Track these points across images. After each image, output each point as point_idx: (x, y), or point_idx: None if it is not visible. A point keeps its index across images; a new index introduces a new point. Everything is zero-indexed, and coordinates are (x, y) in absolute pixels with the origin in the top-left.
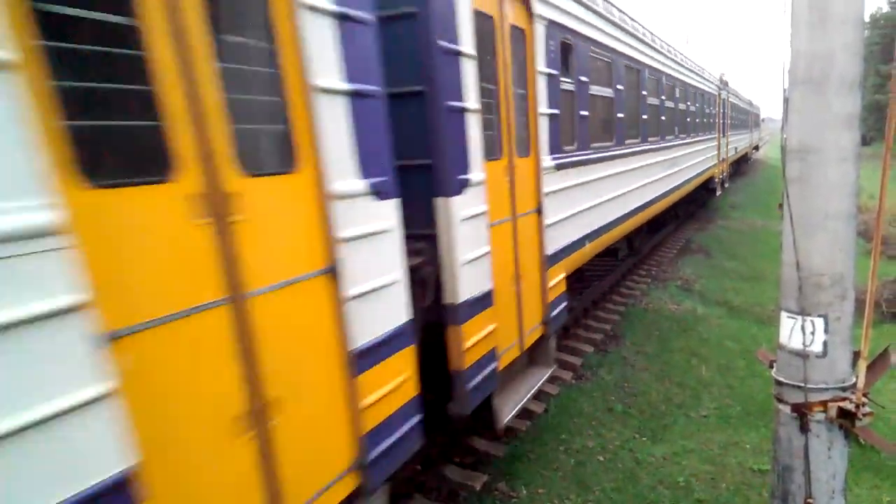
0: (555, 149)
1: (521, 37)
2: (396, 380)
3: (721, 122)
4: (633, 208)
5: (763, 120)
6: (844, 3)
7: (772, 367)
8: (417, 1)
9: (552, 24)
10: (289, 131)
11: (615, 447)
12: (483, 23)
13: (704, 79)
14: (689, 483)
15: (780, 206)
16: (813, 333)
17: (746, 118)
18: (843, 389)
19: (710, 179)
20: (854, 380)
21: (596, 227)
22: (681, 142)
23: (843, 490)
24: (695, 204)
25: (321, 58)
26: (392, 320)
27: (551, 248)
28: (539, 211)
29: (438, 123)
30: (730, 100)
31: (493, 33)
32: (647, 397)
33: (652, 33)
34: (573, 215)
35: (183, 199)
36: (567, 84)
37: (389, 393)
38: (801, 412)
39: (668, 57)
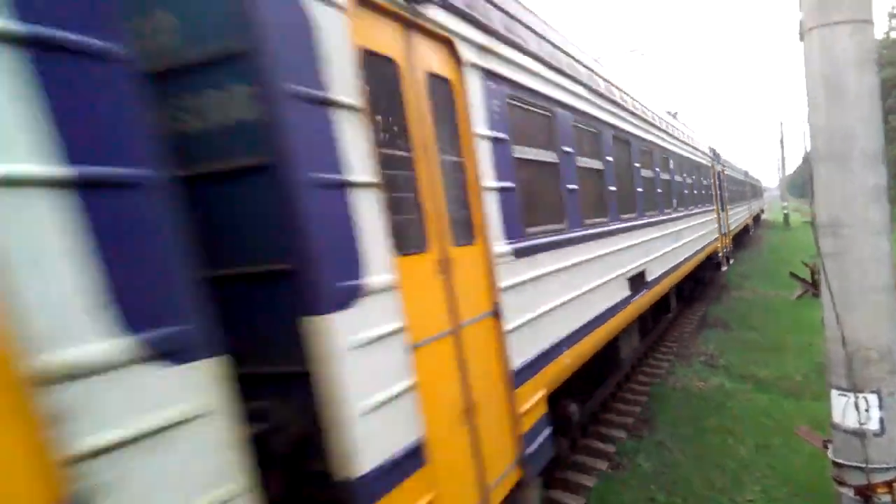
0: (512, 231)
1: (446, 90)
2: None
3: (719, 193)
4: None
5: (764, 189)
6: (859, 78)
7: (825, 447)
8: (240, 34)
9: (493, 76)
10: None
11: None
12: (381, 68)
13: (696, 149)
14: None
15: (793, 274)
16: (868, 410)
17: (744, 189)
18: None
19: (714, 254)
20: None
21: (586, 322)
22: (681, 214)
23: None
24: (701, 284)
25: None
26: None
27: (519, 359)
28: (496, 314)
29: (297, 206)
30: (725, 171)
31: (399, 82)
32: (689, 484)
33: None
34: (549, 311)
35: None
36: (526, 153)
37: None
38: (865, 494)
39: (660, 129)
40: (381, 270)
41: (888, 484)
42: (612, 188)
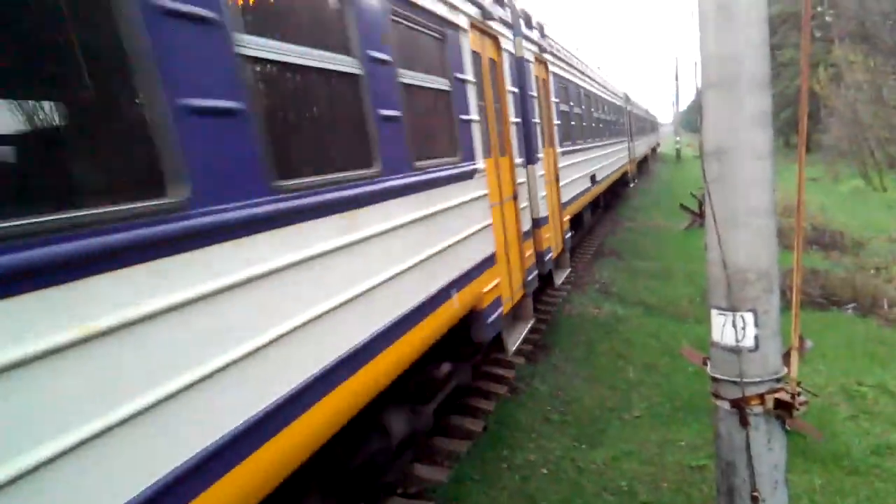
0: (523, 150)
1: (495, 66)
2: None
3: (629, 129)
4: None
5: (660, 125)
6: (748, 3)
7: (705, 364)
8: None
9: (514, 57)
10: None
11: (556, 458)
12: (476, 59)
13: (616, 94)
14: (632, 486)
15: (682, 206)
16: (744, 329)
17: (646, 125)
18: (777, 381)
19: (625, 174)
20: (785, 370)
21: (568, 199)
22: (609, 142)
23: (785, 480)
24: (616, 196)
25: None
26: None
27: (525, 226)
28: (515, 197)
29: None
30: (633, 111)
31: (481, 66)
32: (582, 403)
33: (585, 64)
34: (543, 196)
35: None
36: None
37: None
38: (740, 407)
39: (596, 82)
40: (481, 163)
41: (760, 396)
42: (583, 124)
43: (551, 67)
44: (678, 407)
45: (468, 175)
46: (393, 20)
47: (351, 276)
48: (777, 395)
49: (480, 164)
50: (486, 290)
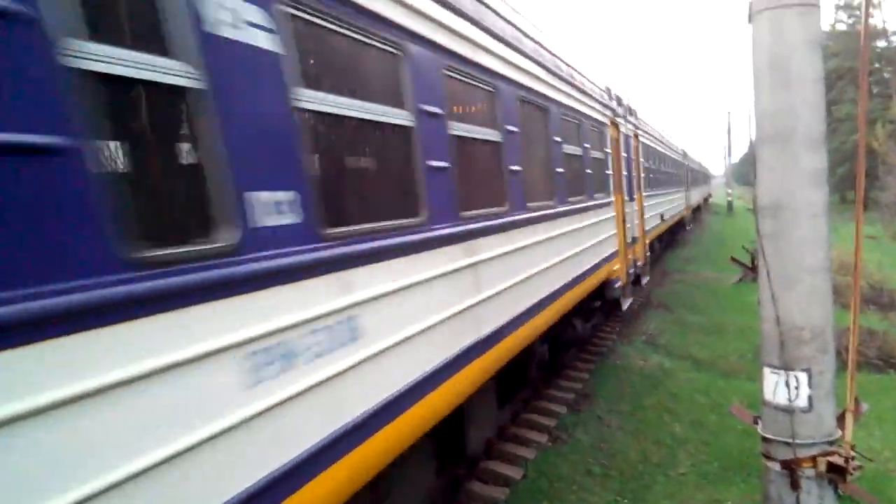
0: (628, 189)
1: (615, 139)
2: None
3: (686, 180)
4: (658, 223)
5: (712, 177)
6: (805, 61)
7: (756, 423)
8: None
9: (625, 135)
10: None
11: None
12: (613, 137)
13: (676, 151)
14: None
15: (734, 258)
16: (797, 388)
17: (699, 177)
18: (831, 443)
19: (683, 218)
20: (839, 433)
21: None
22: (672, 190)
23: None
24: (675, 236)
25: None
26: (636, 232)
27: (629, 238)
28: (624, 220)
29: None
30: (689, 165)
31: (616, 141)
32: (625, 457)
33: (659, 132)
34: (636, 224)
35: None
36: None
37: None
38: (791, 468)
39: (664, 143)
40: (612, 197)
41: (813, 458)
42: (657, 177)
43: (641, 138)
44: (726, 466)
45: (609, 203)
46: (592, 129)
47: (559, 252)
48: (830, 458)
49: (612, 197)
50: (614, 269)
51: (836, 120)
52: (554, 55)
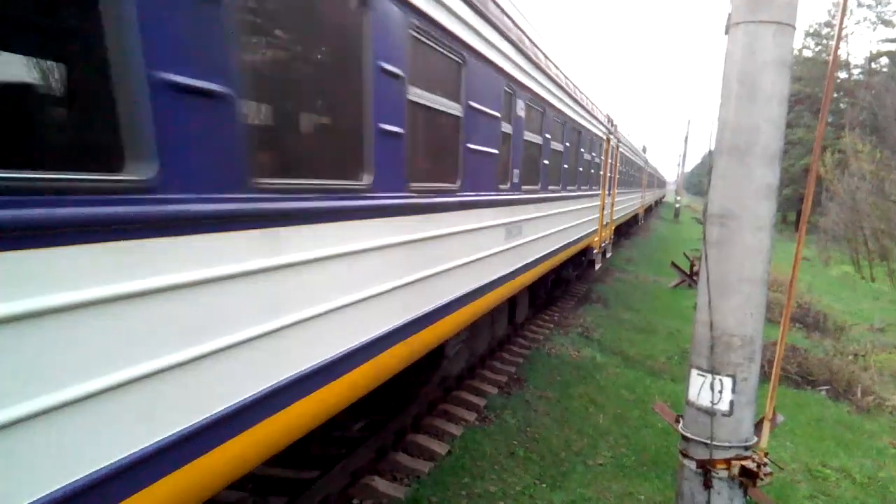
0: (609, 186)
1: (611, 149)
2: (604, 234)
3: (644, 183)
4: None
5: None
6: (773, 79)
7: (677, 422)
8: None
9: (611, 144)
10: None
11: (516, 492)
12: (607, 147)
13: (641, 157)
14: None
15: (673, 264)
16: (721, 392)
17: (654, 181)
18: (746, 448)
19: (637, 215)
20: (755, 440)
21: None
22: (633, 191)
23: None
24: (629, 227)
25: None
26: (615, 215)
27: (606, 219)
28: (602, 208)
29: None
30: (648, 170)
31: (608, 149)
32: (548, 443)
33: (631, 142)
34: (608, 213)
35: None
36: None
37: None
38: (706, 468)
39: (633, 150)
40: (598, 190)
41: (727, 461)
42: (624, 178)
43: (620, 148)
44: (643, 461)
45: (597, 194)
46: (595, 142)
47: (560, 223)
48: (744, 462)
49: (598, 190)
50: (595, 240)
51: (788, 143)
52: (592, 102)
